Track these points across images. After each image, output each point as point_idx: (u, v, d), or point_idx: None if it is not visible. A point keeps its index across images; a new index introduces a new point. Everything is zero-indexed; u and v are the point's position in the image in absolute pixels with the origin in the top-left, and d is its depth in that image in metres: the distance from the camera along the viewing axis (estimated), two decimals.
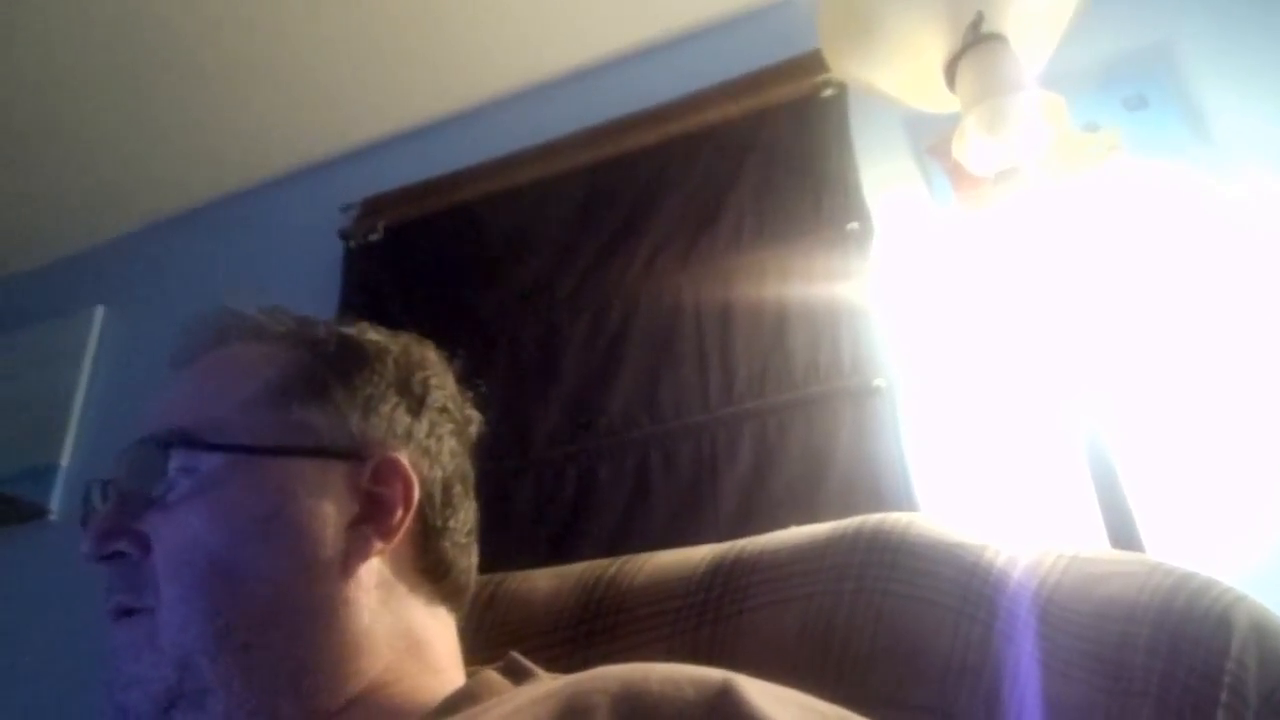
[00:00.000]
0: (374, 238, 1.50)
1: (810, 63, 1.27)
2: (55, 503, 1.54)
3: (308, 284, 1.50)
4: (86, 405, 1.64)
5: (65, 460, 1.58)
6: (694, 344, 1.20)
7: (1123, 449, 0.74)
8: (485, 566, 0.69)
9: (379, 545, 0.55)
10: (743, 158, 1.30)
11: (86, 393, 1.65)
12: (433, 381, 0.62)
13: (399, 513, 0.56)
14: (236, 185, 1.72)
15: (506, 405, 1.26)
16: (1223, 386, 0.96)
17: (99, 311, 1.72)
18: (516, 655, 0.55)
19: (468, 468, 0.64)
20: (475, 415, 0.65)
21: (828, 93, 1.28)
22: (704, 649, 0.59)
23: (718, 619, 0.61)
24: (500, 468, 1.20)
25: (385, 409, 0.58)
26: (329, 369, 0.58)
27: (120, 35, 1.42)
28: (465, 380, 0.66)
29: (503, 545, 1.12)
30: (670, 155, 1.35)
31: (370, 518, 0.55)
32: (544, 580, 0.70)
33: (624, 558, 0.69)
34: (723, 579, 0.63)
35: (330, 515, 0.54)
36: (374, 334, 0.62)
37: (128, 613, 0.53)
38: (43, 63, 1.45)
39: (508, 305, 1.35)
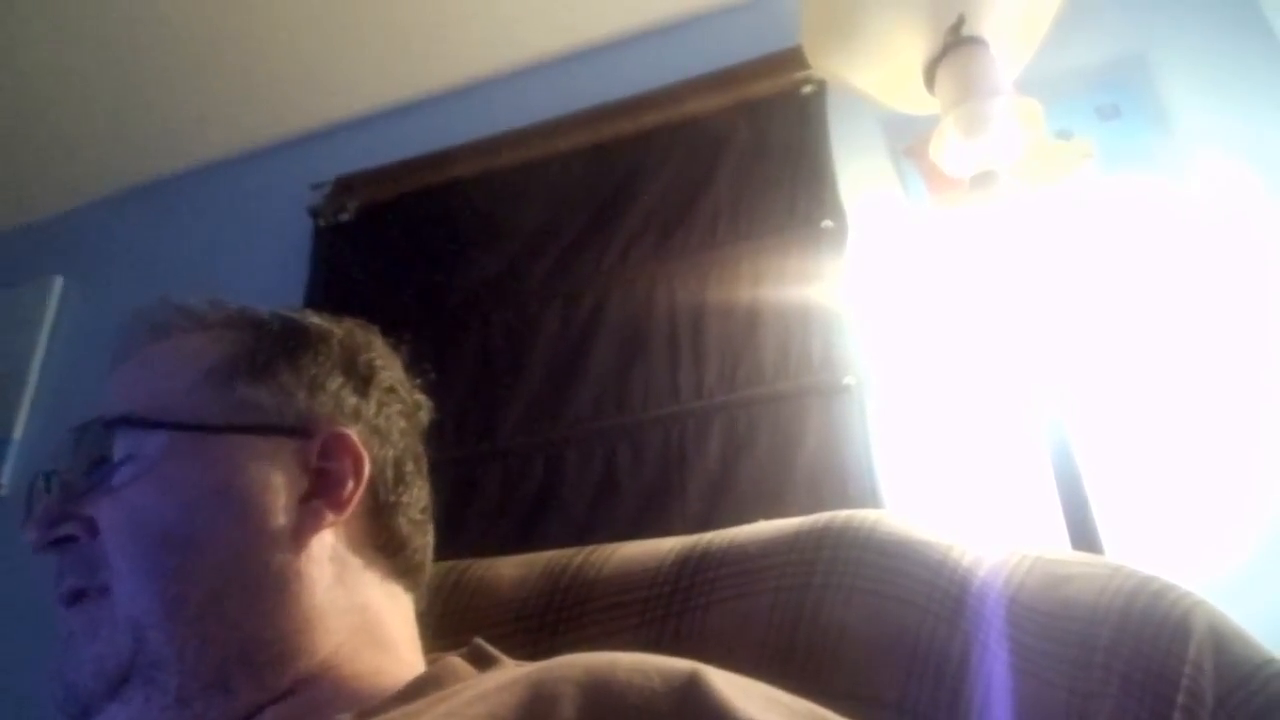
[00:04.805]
0: (345, 217, 1.48)
1: (791, 59, 1.27)
2: (6, 477, 1.50)
3: (275, 262, 1.47)
4: (42, 378, 1.59)
5: (18, 434, 1.53)
6: (665, 336, 1.20)
7: (1087, 450, 0.75)
8: (450, 553, 0.68)
9: (330, 517, 0.55)
10: (720, 151, 1.30)
11: (42, 366, 1.60)
12: (378, 363, 0.63)
13: (349, 485, 0.56)
14: (205, 158, 1.68)
15: (474, 391, 1.25)
16: (1186, 391, 0.97)
17: (57, 282, 1.67)
18: (480, 641, 0.55)
19: (419, 448, 0.64)
20: (424, 401, 0.66)
21: (807, 90, 1.28)
22: (670, 640, 0.60)
23: (684, 611, 0.61)
24: (467, 454, 1.19)
25: (332, 387, 0.59)
26: (273, 349, 0.58)
27: (90, 2, 1.38)
28: (414, 367, 0.66)
29: (468, 532, 1.13)
30: (648, 146, 1.35)
31: (321, 492, 0.55)
32: (509, 568, 0.70)
33: (591, 547, 0.69)
34: (690, 571, 0.63)
35: (280, 488, 0.54)
36: (317, 318, 0.63)
37: (80, 597, 0.52)
38: (8, 30, 1.41)
39: (479, 291, 1.34)
